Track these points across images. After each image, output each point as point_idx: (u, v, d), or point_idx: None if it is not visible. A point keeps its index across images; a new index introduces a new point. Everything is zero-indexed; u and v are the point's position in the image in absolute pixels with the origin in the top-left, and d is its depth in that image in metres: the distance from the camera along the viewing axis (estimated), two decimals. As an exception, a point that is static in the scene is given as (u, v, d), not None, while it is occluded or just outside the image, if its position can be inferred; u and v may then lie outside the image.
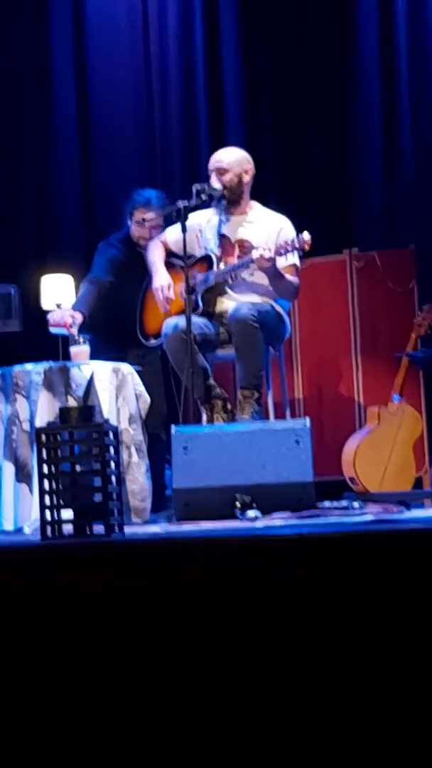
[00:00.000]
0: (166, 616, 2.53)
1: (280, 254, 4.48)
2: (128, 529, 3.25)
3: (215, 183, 4.69)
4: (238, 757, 2.43)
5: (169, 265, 4.88)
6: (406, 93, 6.08)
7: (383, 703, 2.41)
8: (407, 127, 6.07)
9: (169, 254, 4.90)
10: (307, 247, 4.45)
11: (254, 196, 4.88)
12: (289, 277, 4.64)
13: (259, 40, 6.30)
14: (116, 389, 4.51)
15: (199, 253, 4.79)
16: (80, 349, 4.63)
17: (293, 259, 4.63)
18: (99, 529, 3.00)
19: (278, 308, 4.71)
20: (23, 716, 2.52)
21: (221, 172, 4.73)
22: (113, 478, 3.04)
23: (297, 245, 4.45)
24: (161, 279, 4.81)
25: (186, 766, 2.44)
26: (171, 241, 4.89)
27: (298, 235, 4.50)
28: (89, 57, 6.50)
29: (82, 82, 6.49)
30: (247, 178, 4.78)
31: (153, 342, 4.86)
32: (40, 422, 4.20)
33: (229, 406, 4.60)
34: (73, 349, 4.64)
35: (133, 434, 4.51)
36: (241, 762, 2.43)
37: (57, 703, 2.52)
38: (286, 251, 4.48)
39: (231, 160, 4.76)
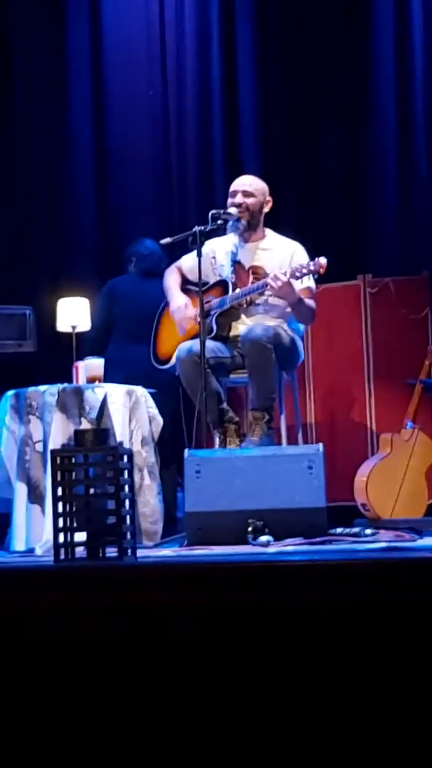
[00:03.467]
0: (177, 640, 2.53)
1: (296, 277, 4.50)
2: (140, 552, 3.25)
3: (232, 208, 4.72)
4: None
5: (184, 291, 4.91)
6: (421, 120, 6.12)
7: (392, 730, 2.40)
8: (423, 154, 6.10)
9: (184, 281, 4.93)
10: (322, 271, 4.46)
11: (270, 222, 4.91)
12: (306, 300, 4.65)
13: (275, 65, 6.35)
14: (129, 411, 4.52)
15: (213, 280, 4.81)
16: (95, 362, 4.65)
17: (308, 282, 4.65)
18: (112, 552, 3.01)
19: (291, 332, 4.72)
20: (34, 736, 2.52)
21: (247, 194, 4.76)
22: (127, 502, 3.05)
23: (312, 268, 4.47)
24: (179, 300, 4.84)
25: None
26: (186, 268, 4.92)
27: (313, 259, 4.52)
28: (106, 79, 6.55)
29: (98, 105, 6.53)
30: (266, 209, 4.83)
31: (166, 365, 4.87)
32: (53, 444, 4.22)
33: (241, 430, 4.60)
34: (87, 362, 4.66)
35: (145, 456, 4.52)
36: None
37: (66, 723, 2.52)
38: (302, 274, 4.50)
39: (257, 186, 4.81)
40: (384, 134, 6.19)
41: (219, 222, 4.62)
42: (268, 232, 4.86)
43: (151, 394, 4.68)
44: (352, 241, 6.16)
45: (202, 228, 4.50)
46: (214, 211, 4.64)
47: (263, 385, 4.51)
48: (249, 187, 4.79)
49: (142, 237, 5.64)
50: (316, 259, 4.48)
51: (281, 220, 5.21)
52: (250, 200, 4.76)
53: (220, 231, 4.73)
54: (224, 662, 2.49)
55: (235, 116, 6.36)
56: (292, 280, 4.49)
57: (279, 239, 4.85)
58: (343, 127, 6.26)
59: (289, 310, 4.68)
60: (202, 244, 4.48)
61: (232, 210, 4.71)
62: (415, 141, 6.13)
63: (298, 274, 4.49)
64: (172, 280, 4.95)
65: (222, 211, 4.67)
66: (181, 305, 4.80)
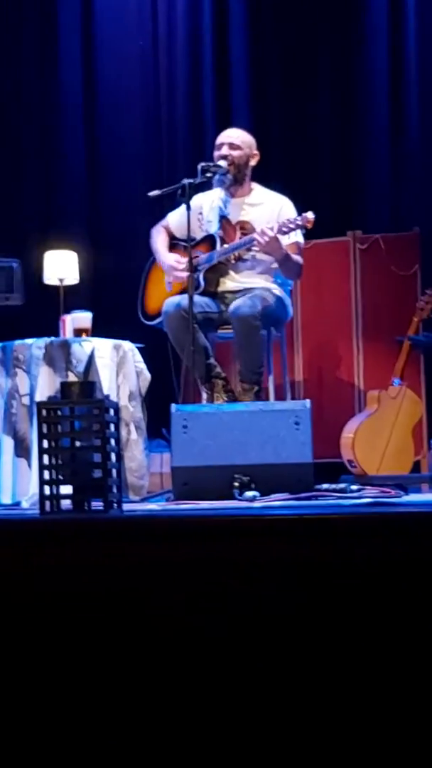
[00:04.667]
0: (161, 593, 2.53)
1: (283, 232, 4.47)
2: (126, 506, 3.25)
3: (221, 161, 4.68)
4: (229, 730, 2.44)
5: (172, 246, 4.88)
6: (414, 75, 6.07)
7: (380, 684, 2.41)
8: (415, 109, 6.06)
9: (172, 238, 4.90)
10: (309, 226, 4.44)
11: (260, 177, 4.87)
12: (293, 256, 4.63)
13: (268, 18, 6.28)
14: (117, 366, 4.51)
15: (200, 235, 4.78)
16: (82, 316, 4.63)
17: (296, 237, 4.62)
18: (97, 505, 3.01)
19: (279, 292, 4.70)
20: (17, 691, 2.53)
21: (233, 147, 4.72)
22: (113, 455, 3.04)
23: (300, 223, 4.45)
24: (169, 258, 4.80)
25: (177, 741, 2.46)
26: (173, 225, 4.88)
27: (300, 214, 4.49)
28: (96, 31, 6.49)
29: (88, 58, 6.47)
30: (253, 162, 4.79)
31: (153, 321, 4.85)
32: (40, 397, 4.21)
33: (229, 385, 4.60)
34: (75, 315, 4.64)
35: (132, 411, 4.52)
36: (233, 738, 2.44)
37: (51, 677, 2.53)
38: (289, 229, 4.47)
39: (244, 139, 4.77)
40: (376, 88, 6.15)
41: (208, 175, 4.59)
42: (255, 186, 4.82)
43: (139, 348, 4.67)
44: (342, 197, 6.13)
45: (191, 181, 4.46)
46: (203, 164, 4.60)
47: (251, 360, 4.52)
48: (236, 139, 4.75)
49: (130, 190, 5.59)
50: (304, 213, 4.46)
51: (270, 174, 5.18)
52: (236, 153, 4.71)
53: (208, 184, 4.69)
54: (209, 616, 2.50)
55: (226, 69, 6.30)
56: (279, 236, 4.46)
57: (266, 193, 4.81)
58: (335, 80, 6.22)
59: (275, 265, 4.65)
60: (190, 197, 4.44)
61: (221, 162, 4.67)
62: (407, 95, 6.09)
63: (285, 229, 4.46)
64: (159, 240, 4.92)
65: (211, 164, 4.64)
66: (172, 263, 4.77)
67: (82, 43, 6.45)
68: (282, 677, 2.45)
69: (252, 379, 4.51)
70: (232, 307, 4.56)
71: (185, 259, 4.58)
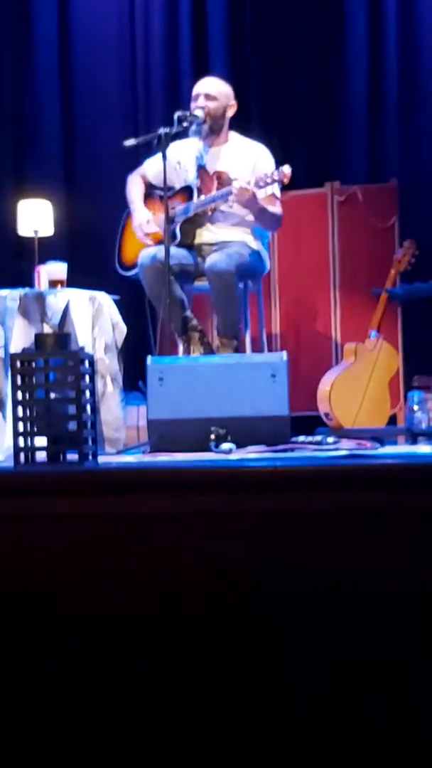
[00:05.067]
0: (137, 546, 2.53)
1: (259, 186, 4.43)
2: (101, 459, 3.24)
3: (197, 110, 4.63)
4: (205, 684, 2.45)
5: (148, 196, 4.82)
6: (393, 26, 6.01)
7: (353, 635, 2.43)
8: (393, 60, 6.01)
9: (148, 187, 4.85)
10: (286, 181, 4.41)
11: (237, 127, 4.82)
12: (270, 207, 4.60)
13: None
14: (92, 318, 4.48)
15: (177, 184, 4.73)
16: (57, 267, 4.58)
17: (273, 189, 4.59)
18: (72, 457, 2.99)
19: (256, 245, 4.67)
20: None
21: (209, 98, 4.66)
22: (88, 407, 3.01)
23: (276, 178, 4.41)
24: (140, 215, 4.76)
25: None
26: (150, 174, 4.83)
27: (277, 167, 4.45)
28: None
29: (64, 5, 6.37)
30: (230, 113, 4.74)
31: (130, 272, 4.81)
32: (14, 349, 4.18)
33: (205, 338, 4.58)
34: (49, 266, 4.59)
35: (108, 364, 4.49)
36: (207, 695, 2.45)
37: (22, 628, 2.53)
38: (266, 184, 4.44)
39: (220, 90, 4.71)
40: (354, 38, 6.10)
41: (184, 124, 4.54)
42: (232, 135, 4.77)
43: (115, 300, 4.63)
44: (321, 147, 6.09)
45: (167, 130, 4.41)
46: (179, 113, 4.55)
47: (229, 316, 4.50)
48: (211, 90, 4.69)
49: (106, 138, 5.52)
50: (281, 168, 4.41)
51: (248, 124, 5.13)
52: (212, 104, 4.66)
53: (184, 134, 4.64)
54: (186, 568, 2.50)
55: (202, 16, 6.23)
56: (256, 189, 4.43)
57: (243, 142, 4.76)
58: (314, 29, 6.14)
59: (251, 218, 4.62)
60: (166, 146, 4.39)
61: (198, 112, 4.62)
62: (386, 47, 6.03)
63: (261, 183, 4.43)
64: (135, 190, 4.86)
65: (188, 113, 4.58)
66: (143, 221, 4.73)
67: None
68: (258, 630, 2.46)
69: (230, 334, 4.50)
70: (208, 263, 4.53)
71: (156, 218, 4.55)
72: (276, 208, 4.64)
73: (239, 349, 4.52)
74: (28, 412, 2.98)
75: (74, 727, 2.48)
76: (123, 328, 4.58)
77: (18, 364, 2.98)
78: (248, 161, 4.65)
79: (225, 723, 2.43)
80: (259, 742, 2.42)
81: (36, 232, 5.22)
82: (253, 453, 3.67)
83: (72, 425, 2.97)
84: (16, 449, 2.97)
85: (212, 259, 4.51)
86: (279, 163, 4.51)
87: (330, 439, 3.88)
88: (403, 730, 2.38)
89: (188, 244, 4.70)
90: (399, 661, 2.39)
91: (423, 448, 3.90)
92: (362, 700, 2.40)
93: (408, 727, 2.38)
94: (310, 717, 2.41)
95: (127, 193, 4.88)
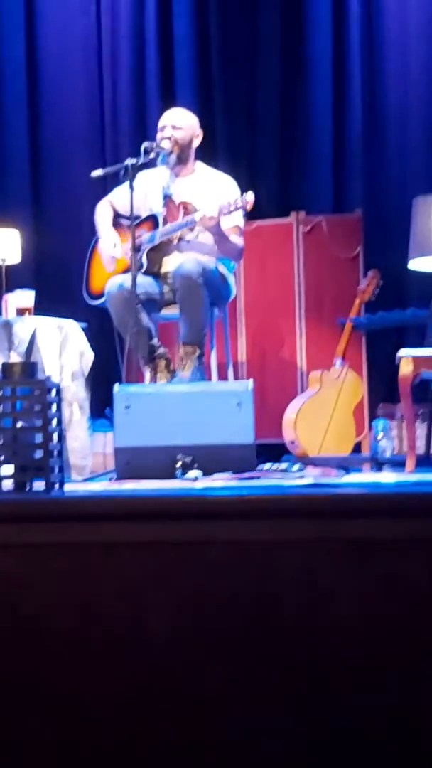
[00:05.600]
0: (104, 574, 2.54)
1: (224, 214, 4.48)
2: (68, 487, 3.25)
3: (164, 141, 4.67)
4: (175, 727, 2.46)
5: (115, 225, 4.86)
6: (356, 55, 6.08)
7: (319, 668, 2.45)
8: (358, 91, 6.08)
9: (116, 216, 4.88)
10: (249, 207, 4.46)
11: (203, 157, 4.87)
12: (233, 237, 4.64)
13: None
14: (59, 345, 4.49)
15: (144, 213, 4.77)
16: (24, 295, 4.59)
17: (236, 219, 4.63)
18: (39, 485, 3.00)
19: (222, 269, 4.71)
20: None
21: (176, 128, 4.71)
22: (55, 436, 3.03)
23: (240, 205, 4.46)
24: (107, 240, 4.79)
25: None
26: (117, 203, 4.86)
27: (241, 195, 4.50)
28: (39, 9, 6.42)
29: (31, 35, 6.41)
30: (196, 143, 4.78)
31: (98, 301, 4.84)
32: (-19, 377, 4.18)
33: (172, 366, 4.60)
34: (17, 294, 4.61)
35: (75, 391, 4.51)
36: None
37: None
38: (229, 211, 4.48)
39: (187, 120, 4.76)
40: (319, 70, 6.15)
41: (151, 155, 4.58)
42: (199, 165, 4.82)
43: (83, 328, 4.65)
44: (286, 178, 6.14)
45: (134, 161, 4.45)
46: (146, 144, 4.59)
47: (194, 319, 4.51)
48: (178, 120, 4.74)
49: (74, 168, 5.55)
50: (243, 195, 4.47)
51: (215, 154, 5.18)
52: (178, 134, 4.71)
53: (151, 164, 4.68)
54: (151, 597, 2.51)
55: (169, 47, 6.27)
56: (220, 217, 4.47)
57: (210, 173, 4.81)
58: (279, 61, 6.20)
59: (215, 248, 4.66)
60: (134, 177, 4.43)
61: (164, 143, 4.66)
62: (351, 77, 6.10)
63: (225, 210, 4.47)
64: (102, 215, 4.89)
65: (154, 144, 4.63)
66: (108, 245, 4.76)
67: (26, 21, 6.38)
68: (226, 657, 2.47)
69: (195, 340, 4.50)
70: (175, 266, 4.55)
71: (123, 245, 4.58)
72: (238, 240, 4.69)
73: (202, 358, 4.53)
74: (-5, 440, 2.99)
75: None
76: (90, 356, 4.60)
77: (-15, 392, 2.99)
78: (214, 192, 4.70)
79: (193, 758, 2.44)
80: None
81: (3, 260, 5.23)
82: (219, 481, 3.69)
83: (38, 453, 2.99)
84: (-17, 478, 2.97)
85: (179, 262, 4.54)
86: (244, 192, 4.56)
87: (295, 467, 3.91)
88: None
89: (155, 273, 4.73)
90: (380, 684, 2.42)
91: (387, 476, 3.93)
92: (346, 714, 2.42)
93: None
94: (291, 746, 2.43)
95: (95, 218, 4.91)
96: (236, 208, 4.47)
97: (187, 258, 4.59)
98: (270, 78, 6.19)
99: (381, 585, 2.44)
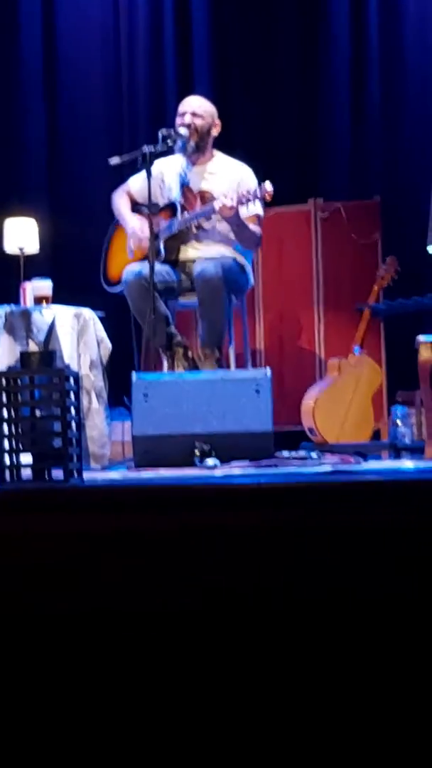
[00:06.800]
0: (122, 563, 2.54)
1: (242, 203, 4.47)
2: (87, 475, 3.25)
3: (182, 128, 4.66)
4: (203, 704, 2.47)
5: (133, 212, 4.85)
6: (375, 42, 6.05)
7: (342, 654, 2.44)
8: (375, 77, 6.05)
9: (134, 204, 4.87)
10: (268, 197, 4.45)
11: (221, 145, 4.85)
12: (251, 226, 4.63)
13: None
14: (77, 334, 4.50)
15: (162, 202, 4.76)
16: (43, 284, 4.60)
17: (255, 208, 4.62)
18: (58, 474, 3.01)
19: (240, 259, 4.70)
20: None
21: (195, 115, 4.70)
22: (73, 424, 3.03)
23: (258, 195, 4.44)
24: (133, 222, 4.77)
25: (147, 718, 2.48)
26: (134, 190, 4.85)
27: (260, 185, 4.49)
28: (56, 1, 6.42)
29: (49, 22, 6.40)
30: (214, 132, 4.77)
31: (115, 288, 4.84)
32: (0, 366, 4.19)
33: (190, 353, 4.60)
34: (35, 283, 4.61)
35: (93, 380, 4.51)
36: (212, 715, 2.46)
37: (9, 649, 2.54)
38: (248, 200, 4.47)
39: (206, 108, 4.75)
40: (338, 57, 6.13)
41: (168, 142, 4.56)
42: (217, 153, 4.80)
43: (100, 317, 4.65)
44: (304, 165, 6.12)
45: (152, 148, 4.44)
46: (164, 131, 4.57)
47: (214, 324, 4.52)
48: (197, 108, 4.73)
49: (91, 156, 5.55)
50: (263, 184, 4.45)
51: (232, 142, 5.16)
52: (198, 121, 4.69)
53: (169, 151, 4.67)
54: (170, 584, 2.52)
55: (187, 33, 6.25)
56: (239, 206, 4.46)
57: (227, 162, 4.80)
58: (297, 47, 6.18)
59: (233, 237, 4.65)
60: (151, 164, 4.42)
61: (182, 130, 4.65)
62: (369, 64, 6.07)
63: (244, 200, 4.46)
64: (122, 203, 4.89)
65: (172, 131, 4.61)
66: (136, 226, 4.74)
67: (43, 8, 6.37)
68: (250, 645, 2.47)
69: (213, 343, 4.51)
70: (197, 269, 4.56)
71: (147, 224, 4.56)
72: (257, 228, 4.67)
73: (221, 361, 4.54)
74: (13, 429, 3.00)
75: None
76: (108, 344, 4.60)
77: (4, 381, 3.00)
78: (232, 180, 4.69)
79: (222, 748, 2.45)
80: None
81: (21, 249, 5.24)
82: (237, 468, 3.69)
83: (57, 442, 2.99)
84: (2, 466, 2.98)
85: (201, 266, 4.54)
86: (262, 179, 4.55)
87: (314, 455, 3.91)
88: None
89: (172, 261, 4.73)
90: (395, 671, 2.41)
91: (406, 463, 3.93)
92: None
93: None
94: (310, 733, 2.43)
95: (114, 208, 4.91)
96: (255, 198, 4.46)
97: (206, 257, 4.56)
98: (287, 64, 6.17)
99: (401, 571, 2.43)
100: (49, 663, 2.51)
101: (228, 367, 4.69)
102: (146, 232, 4.60)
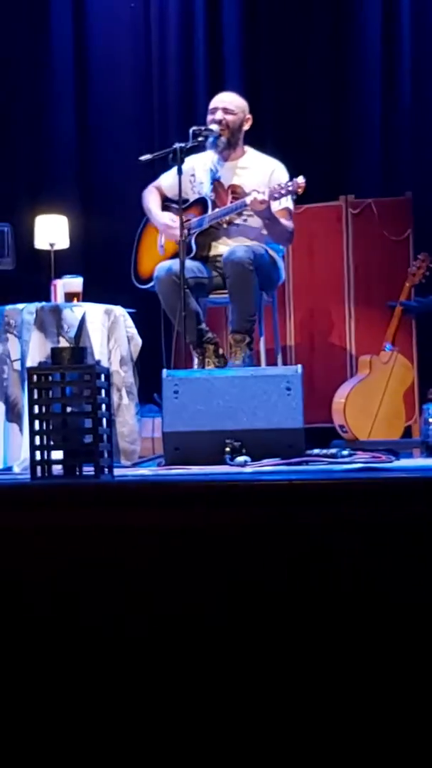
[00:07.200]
0: (152, 559, 2.54)
1: (274, 198, 4.46)
2: (117, 472, 3.25)
3: (213, 125, 4.65)
4: (229, 701, 2.46)
5: (164, 209, 4.85)
6: (407, 39, 6.04)
7: (372, 649, 2.43)
8: (407, 74, 6.03)
9: (164, 199, 4.87)
10: (300, 191, 4.43)
11: (252, 140, 4.84)
12: (283, 221, 4.62)
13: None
14: (108, 331, 4.50)
15: (192, 197, 4.75)
16: (73, 281, 4.61)
17: (287, 202, 4.61)
18: (88, 470, 3.01)
19: (272, 253, 4.69)
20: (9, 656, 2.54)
21: (227, 111, 4.69)
22: (104, 420, 3.03)
23: (291, 189, 4.43)
24: (164, 218, 4.77)
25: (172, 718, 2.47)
26: (165, 186, 4.85)
27: (292, 179, 4.48)
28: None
29: (78, 21, 6.44)
30: (246, 126, 4.76)
31: (146, 285, 4.84)
32: (31, 362, 4.20)
33: (220, 350, 4.60)
34: (66, 280, 4.62)
35: (123, 376, 4.51)
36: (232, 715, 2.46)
37: (41, 644, 2.54)
38: (280, 195, 4.46)
39: (238, 104, 4.74)
40: (369, 53, 6.11)
41: (200, 139, 4.56)
42: (248, 149, 4.79)
43: (131, 313, 4.66)
44: (335, 161, 6.11)
45: (183, 145, 4.43)
46: (195, 128, 4.58)
47: (244, 307, 4.50)
48: (229, 104, 4.72)
49: (122, 153, 5.56)
50: (295, 179, 4.44)
51: (263, 138, 5.15)
52: (230, 117, 4.69)
53: (200, 148, 4.67)
54: (200, 582, 2.51)
55: (218, 31, 6.25)
56: (271, 201, 4.45)
57: (258, 157, 4.78)
58: (328, 43, 6.17)
59: (265, 232, 4.64)
60: (182, 161, 4.42)
61: (214, 126, 4.65)
62: (400, 60, 6.06)
63: (276, 195, 4.45)
64: (152, 200, 4.89)
65: (203, 128, 4.61)
66: (167, 221, 4.74)
67: (73, 5, 6.39)
68: (276, 645, 2.47)
69: (244, 328, 4.49)
70: (226, 252, 4.54)
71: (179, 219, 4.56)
72: (288, 222, 4.66)
73: (252, 345, 4.52)
74: (44, 425, 3.01)
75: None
76: (138, 341, 4.60)
77: (35, 378, 3.01)
78: (264, 176, 4.67)
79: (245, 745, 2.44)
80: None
81: (52, 245, 5.25)
82: (268, 466, 3.68)
83: (88, 438, 2.99)
84: (33, 462, 2.99)
85: (230, 249, 4.53)
86: (293, 175, 4.53)
87: (345, 452, 3.89)
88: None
89: (203, 257, 4.72)
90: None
91: (438, 461, 3.90)
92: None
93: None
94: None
95: (144, 205, 4.91)
96: (287, 192, 4.45)
97: (237, 244, 4.57)
98: (319, 60, 6.16)
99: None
100: (76, 657, 2.52)
101: (258, 363, 4.67)
102: (177, 224, 4.60)
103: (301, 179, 4.41)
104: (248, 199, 4.47)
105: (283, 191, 4.44)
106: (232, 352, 4.50)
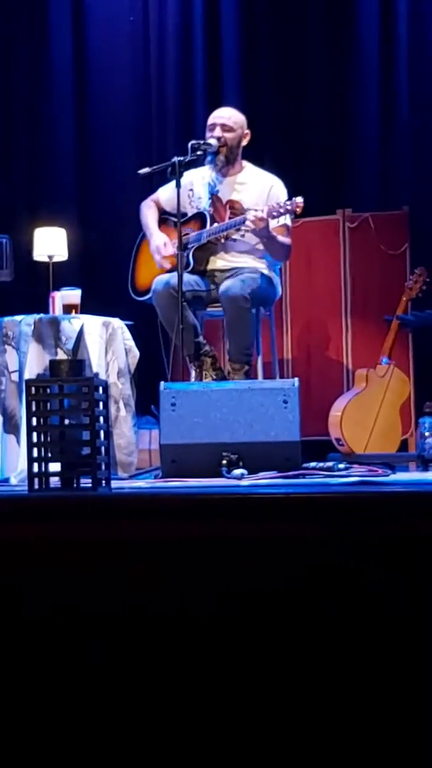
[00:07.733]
0: (148, 572, 2.55)
1: (273, 216, 4.48)
2: (114, 484, 3.26)
3: (212, 139, 4.67)
4: (222, 712, 2.47)
5: (162, 222, 4.87)
6: (404, 54, 6.06)
7: (369, 659, 2.44)
8: (404, 89, 6.06)
9: (162, 213, 4.89)
10: (299, 211, 4.46)
11: (250, 155, 4.86)
12: (280, 238, 4.64)
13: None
14: (106, 343, 4.51)
15: (190, 211, 4.77)
16: (71, 293, 4.62)
17: (284, 220, 4.63)
18: (86, 482, 3.01)
19: (268, 271, 4.71)
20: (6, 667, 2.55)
21: (226, 128, 4.70)
22: (102, 433, 3.04)
23: (289, 208, 4.45)
24: (158, 239, 4.80)
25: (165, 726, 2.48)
26: (163, 200, 4.87)
27: (290, 198, 4.50)
28: (87, 6, 6.46)
29: (78, 33, 6.45)
30: (244, 142, 4.78)
31: (143, 297, 4.85)
32: (29, 374, 4.21)
33: (218, 363, 4.62)
34: (64, 292, 4.64)
35: (121, 388, 4.52)
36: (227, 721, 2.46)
37: (38, 657, 2.55)
38: (279, 213, 4.48)
39: (236, 119, 4.76)
40: (366, 68, 6.14)
41: (198, 153, 4.58)
42: (246, 164, 4.81)
43: (128, 326, 4.67)
44: (332, 175, 6.13)
45: (182, 158, 4.45)
46: (193, 142, 4.59)
47: (241, 341, 4.54)
48: (228, 120, 4.73)
49: (120, 166, 5.58)
50: (293, 198, 4.46)
51: (263, 154, 5.17)
52: (228, 135, 4.70)
53: (198, 161, 4.69)
54: (195, 594, 2.52)
55: (216, 45, 6.28)
56: (269, 219, 4.47)
57: (257, 173, 4.80)
58: (326, 61, 6.19)
59: (261, 247, 4.66)
60: (181, 174, 4.44)
61: (212, 141, 4.66)
62: (398, 76, 6.08)
63: (275, 213, 4.47)
64: (149, 215, 4.91)
65: (202, 142, 4.63)
66: (160, 244, 4.76)
67: (73, 19, 6.42)
68: (271, 655, 2.47)
69: (242, 360, 4.53)
70: (222, 287, 4.57)
71: (172, 243, 4.59)
72: (286, 239, 4.68)
73: (250, 374, 4.56)
74: (42, 437, 3.01)
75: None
76: (136, 353, 4.61)
77: (33, 390, 3.01)
78: (262, 192, 4.70)
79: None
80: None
81: (51, 257, 5.27)
82: (264, 479, 3.69)
83: (85, 450, 3.00)
84: (30, 475, 3.00)
85: (226, 285, 4.56)
86: (291, 190, 4.56)
87: (341, 465, 3.90)
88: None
89: (201, 271, 4.74)
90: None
91: (434, 475, 3.91)
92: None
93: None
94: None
95: (141, 219, 4.93)
96: (286, 211, 4.47)
97: (232, 277, 4.58)
98: (316, 74, 6.19)
99: (429, 584, 2.43)
100: (77, 668, 2.52)
101: (256, 376, 4.69)
102: (168, 251, 4.63)
103: (299, 199, 4.43)
104: (249, 216, 4.48)
105: (281, 210, 4.47)
106: (230, 377, 4.53)
